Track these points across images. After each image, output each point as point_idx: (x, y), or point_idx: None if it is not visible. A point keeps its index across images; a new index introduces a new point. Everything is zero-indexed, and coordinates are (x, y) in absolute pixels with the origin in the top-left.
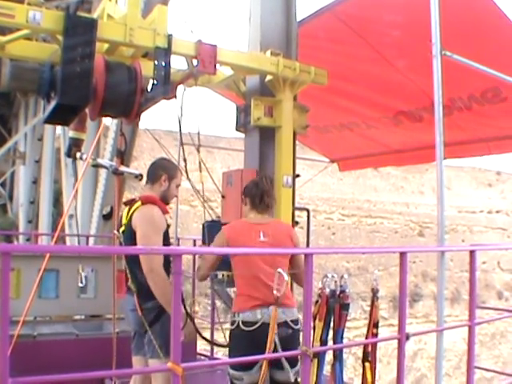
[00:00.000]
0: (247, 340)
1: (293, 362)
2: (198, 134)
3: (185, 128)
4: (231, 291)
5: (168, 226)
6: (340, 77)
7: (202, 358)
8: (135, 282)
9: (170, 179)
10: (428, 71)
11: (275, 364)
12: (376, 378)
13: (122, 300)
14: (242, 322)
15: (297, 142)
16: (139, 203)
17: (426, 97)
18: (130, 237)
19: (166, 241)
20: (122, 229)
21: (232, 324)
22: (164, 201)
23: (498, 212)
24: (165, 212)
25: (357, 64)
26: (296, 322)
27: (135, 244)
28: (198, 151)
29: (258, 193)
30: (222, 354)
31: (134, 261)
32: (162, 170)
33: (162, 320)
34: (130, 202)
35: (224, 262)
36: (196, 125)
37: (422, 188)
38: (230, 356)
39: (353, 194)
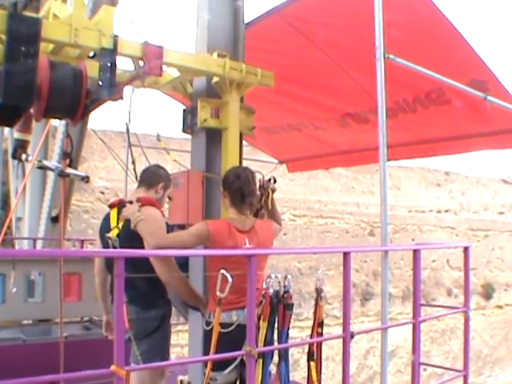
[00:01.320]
0: (223, 341)
1: None
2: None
3: (134, 129)
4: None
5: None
6: (287, 79)
7: None
8: (133, 289)
9: (165, 188)
10: (373, 74)
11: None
12: (329, 376)
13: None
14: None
15: (248, 144)
16: (139, 203)
17: (372, 99)
18: (130, 238)
19: None
20: (116, 232)
21: (207, 325)
22: None
23: (446, 211)
24: (162, 214)
25: (304, 66)
26: None
27: (133, 246)
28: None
29: (239, 190)
30: (175, 355)
31: (133, 265)
32: (160, 178)
33: (163, 328)
34: (118, 204)
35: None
36: (143, 125)
37: (372, 188)
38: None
39: (304, 194)
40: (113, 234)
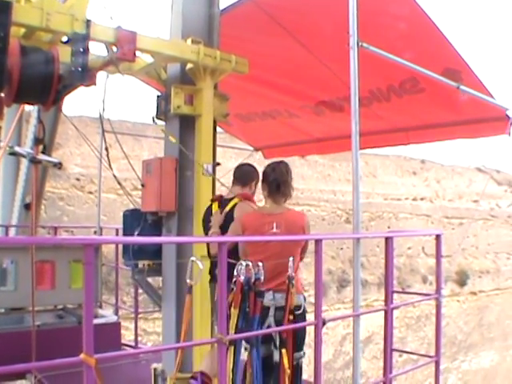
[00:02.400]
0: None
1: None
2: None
3: (110, 115)
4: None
5: None
6: (261, 66)
7: (128, 348)
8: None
9: (256, 184)
10: (347, 62)
11: (274, 345)
12: (306, 362)
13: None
14: None
15: (224, 131)
16: (237, 199)
17: (346, 87)
18: (225, 228)
19: None
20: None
21: None
22: None
23: (422, 199)
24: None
25: (278, 54)
26: (298, 307)
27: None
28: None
29: (274, 181)
30: (151, 343)
31: None
32: (253, 176)
33: None
34: (219, 199)
35: (145, 252)
36: (119, 111)
37: (348, 176)
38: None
39: None
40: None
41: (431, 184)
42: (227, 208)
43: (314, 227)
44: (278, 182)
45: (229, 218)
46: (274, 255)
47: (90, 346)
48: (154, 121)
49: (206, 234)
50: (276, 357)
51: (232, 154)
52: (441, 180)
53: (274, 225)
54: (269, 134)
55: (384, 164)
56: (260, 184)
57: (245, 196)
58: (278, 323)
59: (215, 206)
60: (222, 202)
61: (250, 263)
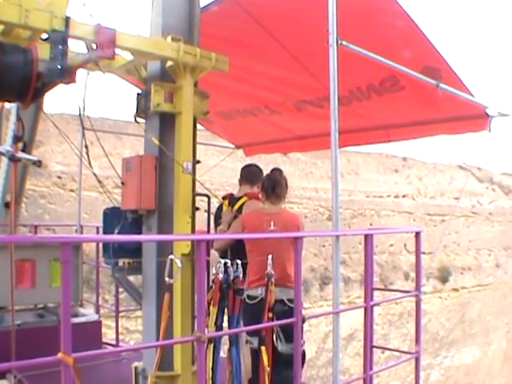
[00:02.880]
0: (253, 311)
1: (289, 338)
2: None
3: (90, 113)
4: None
5: None
6: (241, 65)
7: (109, 347)
8: None
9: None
10: (326, 62)
11: (276, 335)
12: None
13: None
14: (247, 296)
15: (205, 129)
16: (246, 198)
17: (325, 88)
18: None
19: None
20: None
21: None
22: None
23: (404, 196)
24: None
25: (258, 53)
26: (292, 300)
27: None
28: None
29: (270, 184)
30: (134, 342)
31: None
32: (260, 177)
33: None
34: (229, 197)
35: (125, 250)
36: (101, 109)
37: (330, 174)
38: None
39: None
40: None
41: (413, 181)
42: (236, 206)
43: None
44: (273, 185)
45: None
46: (270, 252)
47: (68, 345)
48: (135, 120)
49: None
50: (280, 347)
51: (214, 151)
52: (423, 177)
53: (272, 223)
54: (250, 132)
55: (366, 161)
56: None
57: (253, 195)
58: (279, 315)
59: (226, 204)
60: (232, 200)
61: (229, 261)
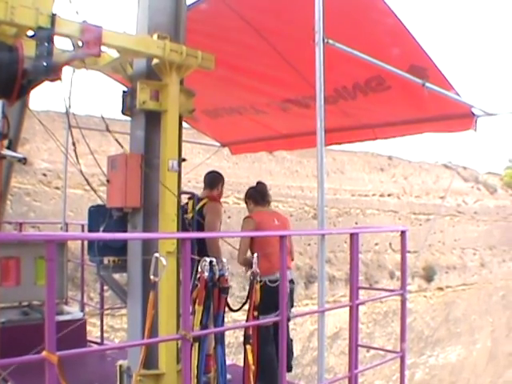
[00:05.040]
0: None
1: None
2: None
3: (76, 110)
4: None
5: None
6: (227, 63)
7: (93, 345)
8: None
9: (222, 186)
10: (312, 61)
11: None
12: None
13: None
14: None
15: (191, 127)
16: (207, 199)
17: (311, 86)
18: (198, 222)
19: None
20: (191, 215)
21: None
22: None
23: (389, 195)
24: (222, 207)
25: (244, 51)
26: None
27: (203, 227)
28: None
29: (259, 194)
30: (119, 340)
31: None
32: (219, 180)
33: None
34: (191, 197)
35: (110, 248)
36: (87, 106)
37: (316, 172)
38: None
39: (248, 177)
40: (188, 216)
41: (398, 180)
42: (198, 206)
43: None
44: (262, 195)
45: (198, 214)
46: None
47: (53, 343)
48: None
49: (183, 228)
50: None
51: (200, 149)
52: (408, 176)
53: (275, 219)
54: (236, 130)
55: (352, 160)
56: (245, 201)
57: (212, 198)
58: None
59: (190, 203)
60: (196, 200)
61: (214, 260)
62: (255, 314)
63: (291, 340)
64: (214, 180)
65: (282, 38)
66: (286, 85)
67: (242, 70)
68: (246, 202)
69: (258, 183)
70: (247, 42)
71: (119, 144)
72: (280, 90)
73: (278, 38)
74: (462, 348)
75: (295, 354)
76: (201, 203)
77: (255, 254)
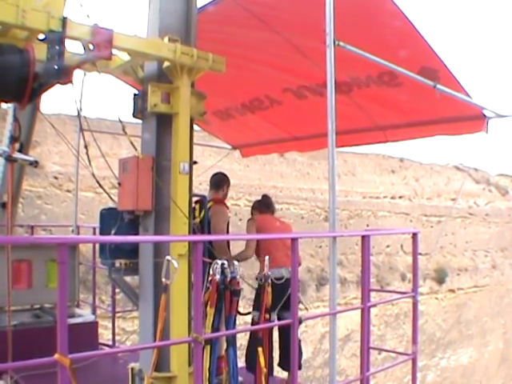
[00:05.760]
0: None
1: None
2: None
3: (88, 113)
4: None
5: (229, 217)
6: (241, 56)
7: (105, 348)
8: None
9: (227, 187)
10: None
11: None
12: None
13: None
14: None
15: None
16: (212, 202)
17: (325, 74)
18: (207, 225)
19: (227, 228)
20: (199, 219)
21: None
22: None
23: (400, 197)
24: (227, 208)
25: (258, 45)
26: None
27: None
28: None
29: (263, 205)
30: (130, 342)
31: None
32: (224, 182)
33: None
34: (200, 201)
35: (122, 251)
36: (99, 109)
37: (327, 174)
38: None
39: (259, 180)
40: (196, 221)
41: (410, 182)
42: (207, 209)
43: (293, 225)
44: (267, 206)
45: (206, 215)
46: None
47: (65, 346)
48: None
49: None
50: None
51: (211, 152)
52: (419, 178)
53: (278, 222)
54: (247, 133)
55: (363, 162)
56: (251, 213)
57: (217, 200)
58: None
59: (198, 207)
60: (204, 202)
61: (226, 262)
62: (267, 316)
63: (299, 340)
64: (219, 181)
65: (295, 30)
66: (301, 72)
67: (257, 61)
68: (252, 213)
69: (264, 196)
70: (260, 36)
71: (133, 147)
72: (295, 77)
73: (290, 30)
74: (474, 350)
75: (305, 356)
76: (207, 205)
77: (266, 257)
